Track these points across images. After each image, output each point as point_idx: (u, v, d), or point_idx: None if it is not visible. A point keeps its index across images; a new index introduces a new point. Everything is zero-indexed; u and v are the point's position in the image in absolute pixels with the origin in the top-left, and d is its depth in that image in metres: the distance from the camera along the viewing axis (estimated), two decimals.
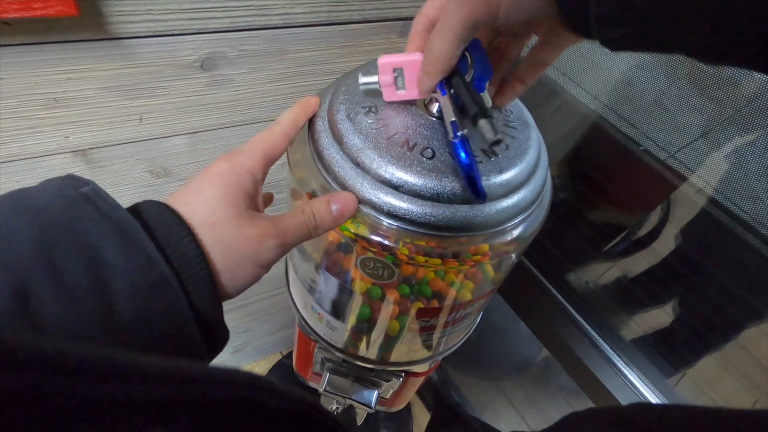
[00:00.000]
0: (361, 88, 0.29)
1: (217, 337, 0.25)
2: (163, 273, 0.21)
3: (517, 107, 0.35)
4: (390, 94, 0.30)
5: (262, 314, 0.94)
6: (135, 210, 0.23)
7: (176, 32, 0.43)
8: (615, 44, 0.20)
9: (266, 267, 0.26)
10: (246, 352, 1.04)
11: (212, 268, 0.24)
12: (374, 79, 0.29)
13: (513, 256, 0.36)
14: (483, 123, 0.27)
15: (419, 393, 1.03)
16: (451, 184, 0.29)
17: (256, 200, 0.28)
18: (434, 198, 0.29)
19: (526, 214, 0.32)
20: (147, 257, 0.21)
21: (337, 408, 0.58)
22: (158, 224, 0.23)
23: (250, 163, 0.27)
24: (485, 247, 0.33)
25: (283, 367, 1.03)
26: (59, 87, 0.42)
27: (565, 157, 0.85)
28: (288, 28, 0.49)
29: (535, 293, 0.73)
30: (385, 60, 0.28)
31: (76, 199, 0.21)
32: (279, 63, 0.51)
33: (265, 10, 0.46)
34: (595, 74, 0.70)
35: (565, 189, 0.87)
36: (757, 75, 0.54)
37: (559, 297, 0.73)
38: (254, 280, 0.26)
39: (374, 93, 0.31)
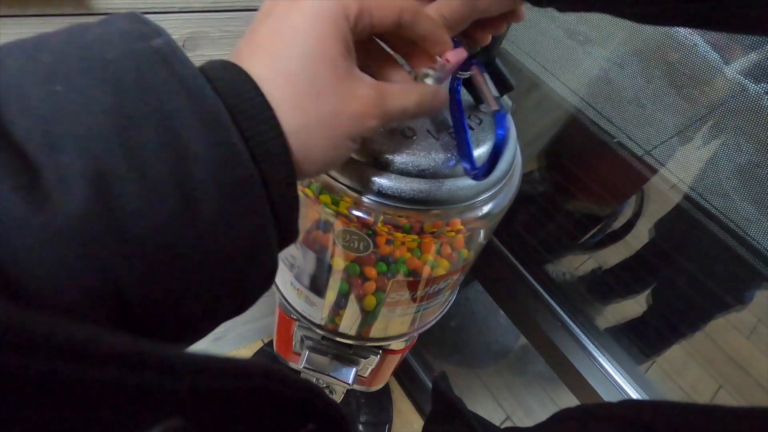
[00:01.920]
0: None
1: (288, 238, 0.22)
2: (248, 171, 0.18)
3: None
4: None
5: None
6: (206, 77, 0.18)
7: (158, 10, 0.44)
8: (547, 3, 0.21)
9: (359, 143, 0.23)
10: (228, 339, 1.04)
11: (295, 162, 0.20)
12: None
13: (482, 233, 0.37)
14: (506, 96, 0.29)
15: (399, 380, 1.05)
16: (433, 161, 0.31)
17: (353, 51, 0.22)
18: (419, 174, 0.31)
19: (496, 189, 0.33)
20: (232, 151, 0.17)
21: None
22: (241, 107, 0.18)
23: (348, 1, 0.21)
24: (459, 222, 0.34)
25: (264, 354, 1.04)
26: None
27: (544, 150, 0.87)
28: None
29: (514, 283, 0.75)
30: None
31: (149, 57, 0.17)
32: None
33: None
34: (576, 70, 0.72)
35: (544, 182, 0.89)
36: (729, 75, 0.56)
37: (538, 287, 0.75)
38: (348, 156, 0.24)
39: None
